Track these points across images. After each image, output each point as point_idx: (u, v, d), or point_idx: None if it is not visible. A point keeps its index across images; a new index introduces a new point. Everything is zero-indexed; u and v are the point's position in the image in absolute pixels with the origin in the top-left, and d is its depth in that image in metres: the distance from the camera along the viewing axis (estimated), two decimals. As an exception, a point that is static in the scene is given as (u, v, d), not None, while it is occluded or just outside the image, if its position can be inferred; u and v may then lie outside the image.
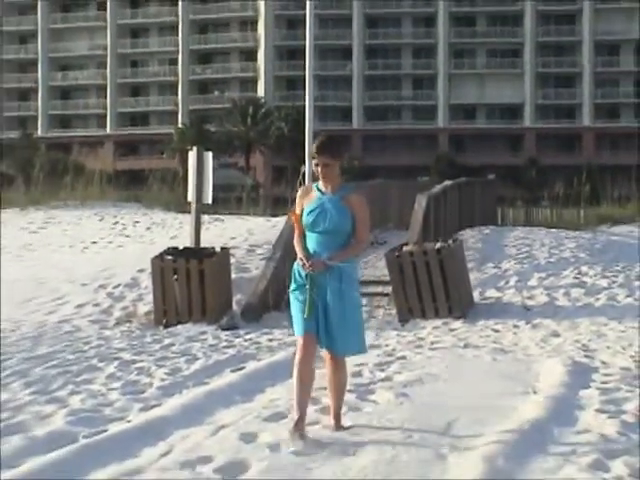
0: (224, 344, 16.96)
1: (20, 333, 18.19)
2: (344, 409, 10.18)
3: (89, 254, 28.57)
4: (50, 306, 21.27)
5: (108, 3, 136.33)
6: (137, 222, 34.58)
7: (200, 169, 21.76)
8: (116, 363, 14.56)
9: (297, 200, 9.42)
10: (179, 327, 19.18)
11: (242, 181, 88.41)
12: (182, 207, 34.41)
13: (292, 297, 9.45)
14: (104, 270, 24.08)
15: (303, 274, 9.20)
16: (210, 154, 22.40)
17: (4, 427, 10.21)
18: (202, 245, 21.96)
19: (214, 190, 22.52)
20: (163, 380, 13.07)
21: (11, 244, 31.14)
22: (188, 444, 9.43)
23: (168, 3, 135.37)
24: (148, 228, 33.62)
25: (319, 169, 9.16)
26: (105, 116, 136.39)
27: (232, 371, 13.81)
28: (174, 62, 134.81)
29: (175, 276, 20.21)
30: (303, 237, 9.31)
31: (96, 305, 21.22)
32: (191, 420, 10.43)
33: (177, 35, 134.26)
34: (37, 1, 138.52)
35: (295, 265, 9.41)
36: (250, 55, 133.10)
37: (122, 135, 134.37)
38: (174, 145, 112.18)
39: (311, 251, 9.16)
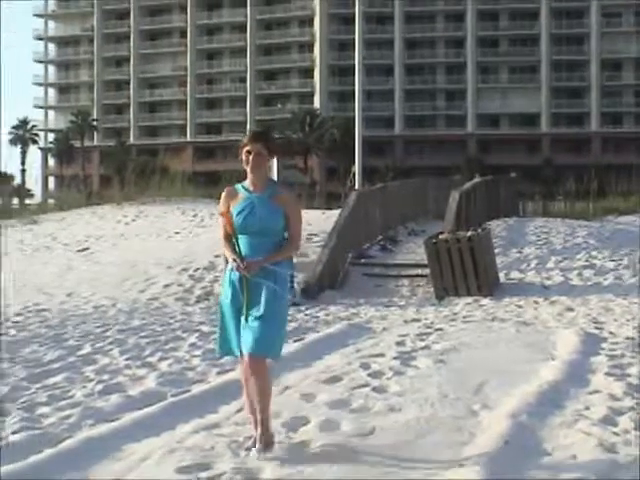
0: (288, 318, 16.95)
1: (117, 308, 18.28)
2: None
3: (173, 242, 28.60)
4: (141, 286, 21.36)
5: (188, 31, 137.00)
6: (213, 214, 34.42)
7: (266, 170, 21.79)
8: (197, 334, 14.58)
9: (222, 201, 7.51)
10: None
11: (301, 179, 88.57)
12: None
13: (225, 310, 7.48)
14: (186, 256, 24.13)
15: (236, 278, 7.32)
16: (274, 157, 22.42)
17: (105, 387, 10.28)
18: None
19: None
20: (237, 348, 13.07)
21: (109, 233, 31.31)
22: (258, 403, 9.43)
23: (238, 30, 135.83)
24: (223, 220, 33.64)
25: (250, 158, 7.29)
26: (185, 126, 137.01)
27: (294, 341, 13.75)
28: (243, 80, 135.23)
29: (246, 261, 20.22)
30: (234, 239, 7.40)
31: (180, 285, 21.27)
32: (261, 382, 10.43)
33: (246, 57, 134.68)
34: (130, 31, 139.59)
35: (227, 271, 7.52)
36: (307, 73, 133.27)
37: (200, 142, 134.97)
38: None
39: (243, 254, 7.28)
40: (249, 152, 7.30)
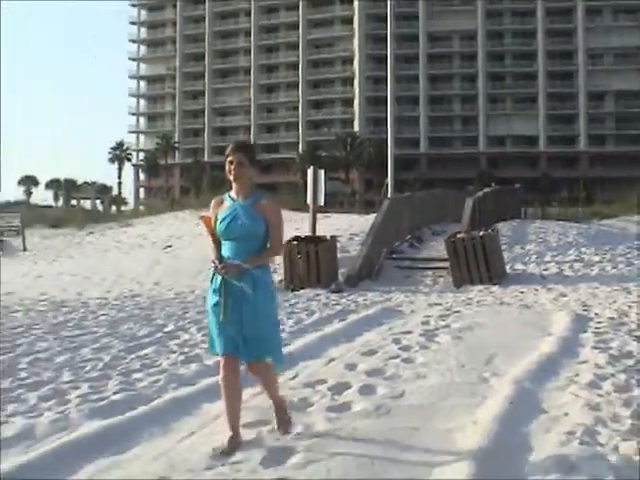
0: (333, 302, 16.93)
1: (194, 294, 18.33)
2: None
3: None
4: (214, 276, 21.45)
5: (252, 70, 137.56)
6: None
7: (316, 181, 21.80)
8: (259, 315, 14.62)
9: (210, 211, 6.66)
10: (301, 291, 19.18)
11: (343, 190, 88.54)
12: (302, 208, 34.48)
13: (210, 313, 6.60)
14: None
15: (218, 281, 6.46)
16: (322, 171, 22.43)
17: (186, 358, 10.34)
18: (317, 234, 21.98)
19: (325, 196, 22.55)
20: (291, 327, 13.06)
21: (188, 234, 31.49)
22: (309, 371, 9.45)
23: (292, 68, 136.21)
24: (280, 223, 33.70)
25: (232, 168, 6.53)
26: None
27: (339, 321, 13.76)
28: (296, 108, 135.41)
29: (299, 255, 20.26)
30: (219, 245, 6.54)
31: (245, 275, 21.35)
32: (311, 354, 10.45)
33: (298, 90, 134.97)
34: (205, 70, 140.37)
35: (211, 275, 6.62)
36: (348, 103, 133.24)
37: (261, 159, 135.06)
38: (297, 165, 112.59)
39: (225, 257, 6.45)
40: (231, 162, 6.54)
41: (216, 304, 6.45)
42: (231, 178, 6.54)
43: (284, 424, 6.89)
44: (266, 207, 6.53)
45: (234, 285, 6.34)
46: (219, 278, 6.42)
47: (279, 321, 6.99)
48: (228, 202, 6.59)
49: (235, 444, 6.44)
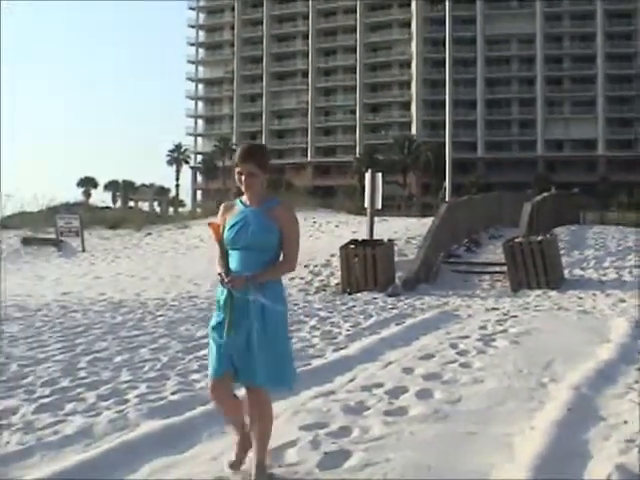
0: (390, 306, 16.92)
1: (252, 297, 18.41)
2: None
3: (297, 243, 28.75)
4: (271, 279, 21.51)
5: (309, 72, 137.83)
6: (329, 221, 34.68)
7: (373, 185, 21.80)
8: (316, 318, 14.64)
9: (219, 217, 5.90)
10: (358, 294, 19.19)
11: (400, 193, 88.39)
12: (360, 211, 34.49)
13: (210, 333, 5.83)
14: (307, 254, 24.21)
15: (223, 297, 5.69)
16: (380, 174, 22.41)
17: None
18: (374, 237, 21.97)
19: (382, 199, 22.53)
20: (348, 330, 13.08)
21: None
22: (366, 374, 9.45)
23: (349, 71, 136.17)
24: (336, 225, 33.73)
25: (242, 178, 5.74)
26: (307, 149, 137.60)
27: (396, 324, 13.75)
28: (353, 112, 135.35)
29: (356, 259, 20.26)
30: (226, 255, 5.76)
31: (302, 278, 21.37)
32: (368, 358, 10.46)
33: (355, 93, 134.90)
34: (262, 73, 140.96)
35: (217, 290, 5.87)
36: (405, 106, 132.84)
37: (318, 162, 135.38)
38: (354, 169, 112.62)
39: (232, 269, 5.66)
40: (240, 173, 5.75)
41: (220, 323, 5.69)
42: (242, 188, 5.78)
43: (261, 468, 5.73)
44: (281, 214, 5.72)
45: (242, 301, 5.58)
46: (225, 292, 5.66)
47: (291, 345, 6.10)
48: (239, 207, 5.84)
49: (237, 467, 5.94)
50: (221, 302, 5.73)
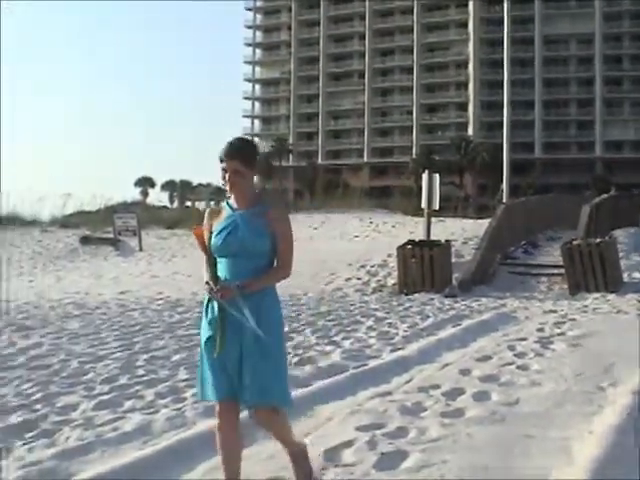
0: (447, 307, 16.85)
1: (308, 297, 18.46)
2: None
3: (353, 244, 28.78)
4: (327, 279, 21.54)
5: (366, 73, 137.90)
6: (385, 222, 34.61)
7: (430, 185, 21.75)
8: (373, 319, 14.63)
9: (205, 222, 5.37)
10: (415, 295, 19.14)
11: (457, 194, 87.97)
12: (416, 212, 34.38)
13: (202, 350, 5.29)
14: (364, 255, 24.23)
15: (214, 308, 5.15)
16: (437, 175, 22.35)
17: (300, 359, 10.42)
18: (431, 238, 21.91)
19: (439, 200, 22.47)
20: (405, 331, 13.06)
21: (301, 237, 31.59)
22: (423, 375, 9.44)
23: (406, 72, 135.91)
24: (393, 226, 33.66)
25: (227, 176, 5.18)
26: (363, 150, 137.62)
27: (453, 326, 13.71)
28: (410, 112, 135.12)
29: (413, 259, 20.22)
30: (214, 263, 5.29)
31: (358, 279, 21.37)
32: (425, 359, 10.45)
33: (412, 94, 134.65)
34: (319, 73, 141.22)
35: (205, 301, 5.32)
36: (462, 107, 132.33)
37: (375, 163, 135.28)
38: (410, 170, 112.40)
39: (222, 278, 5.17)
40: (225, 170, 5.20)
41: (210, 338, 5.18)
42: (226, 188, 5.26)
43: (305, 475, 5.54)
44: (272, 214, 5.22)
45: (232, 313, 5.06)
46: (214, 305, 5.16)
47: (286, 356, 5.51)
48: (227, 212, 5.31)
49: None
50: (210, 314, 5.21)
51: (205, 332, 5.23)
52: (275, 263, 5.25)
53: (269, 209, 5.22)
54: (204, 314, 5.28)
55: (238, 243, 5.12)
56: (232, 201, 5.29)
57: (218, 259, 5.24)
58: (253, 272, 5.13)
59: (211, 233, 5.27)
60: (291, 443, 5.54)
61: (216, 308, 5.13)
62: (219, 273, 5.20)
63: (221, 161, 5.18)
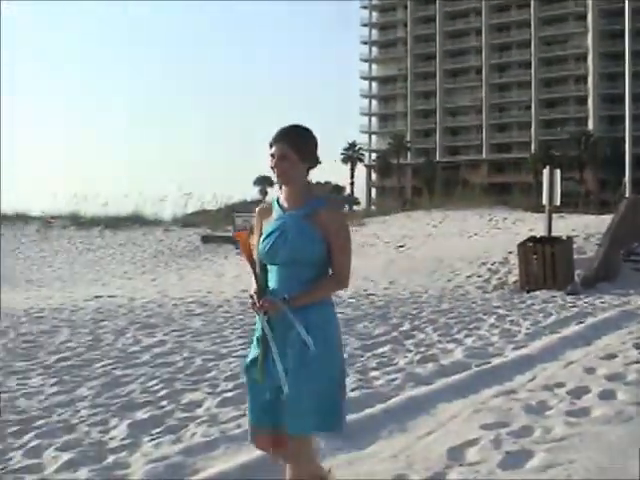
0: (569, 305, 16.56)
1: (428, 294, 18.35)
2: None
3: (472, 241, 28.51)
4: (448, 276, 21.38)
5: (483, 69, 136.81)
6: (505, 219, 34.17)
7: (551, 181, 21.42)
8: (494, 316, 14.48)
9: (255, 223, 4.76)
10: (537, 292, 18.87)
11: (577, 190, 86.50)
12: (535, 208, 33.89)
13: (246, 368, 4.64)
14: (484, 252, 23.97)
15: (259, 325, 4.53)
16: (558, 171, 22.01)
17: (422, 357, 10.39)
18: (553, 234, 21.59)
19: (560, 196, 22.13)
20: (528, 329, 12.90)
21: (420, 234, 31.53)
22: (547, 373, 9.33)
23: (524, 67, 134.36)
24: (513, 223, 33.22)
25: (273, 163, 4.52)
26: (481, 146, 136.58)
27: (576, 324, 13.49)
28: (528, 108, 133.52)
29: (534, 256, 19.97)
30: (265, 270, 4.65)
31: (479, 276, 21.15)
32: (549, 357, 10.32)
33: (530, 89, 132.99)
34: (435, 70, 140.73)
35: (257, 317, 4.61)
36: (582, 101, 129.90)
37: (493, 159, 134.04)
38: (529, 165, 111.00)
39: (270, 288, 4.53)
40: (272, 156, 4.55)
41: (253, 361, 4.57)
42: (275, 179, 4.62)
43: None
44: (324, 217, 4.49)
45: (279, 330, 4.44)
46: (261, 321, 4.53)
47: (343, 377, 4.66)
48: (276, 212, 4.64)
49: None
50: (258, 331, 4.59)
51: (250, 353, 4.65)
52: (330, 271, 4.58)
53: (322, 207, 4.52)
54: (256, 329, 4.65)
55: (287, 250, 4.47)
56: (282, 199, 4.64)
57: (268, 267, 4.63)
58: (305, 282, 4.49)
59: (260, 236, 4.65)
60: (316, 473, 4.66)
61: (260, 325, 4.54)
62: (269, 283, 4.59)
63: (270, 146, 4.57)
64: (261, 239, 4.58)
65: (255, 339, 4.59)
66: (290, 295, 4.41)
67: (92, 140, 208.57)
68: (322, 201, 4.55)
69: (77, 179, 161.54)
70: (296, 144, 4.50)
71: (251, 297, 4.51)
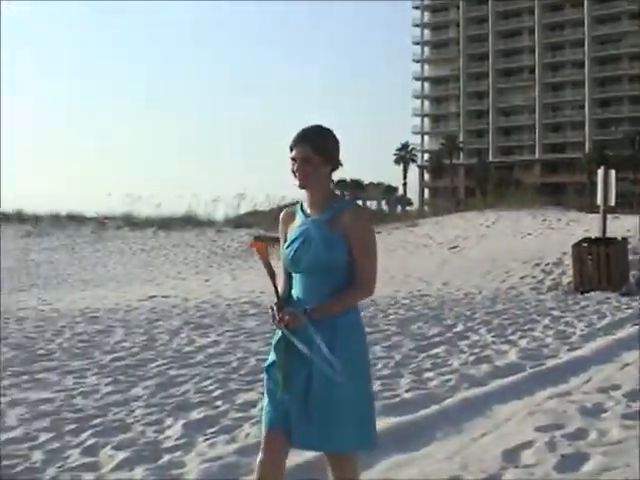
0: (624, 306, 16.38)
1: (482, 295, 18.26)
2: None
3: (526, 241, 28.29)
4: (501, 277, 21.25)
5: (536, 68, 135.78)
6: (559, 219, 33.85)
7: (606, 181, 21.21)
8: (549, 318, 14.38)
9: (279, 229, 4.48)
10: (591, 293, 18.70)
11: (632, 190, 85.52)
12: (590, 209, 33.64)
13: (265, 375, 4.40)
14: (537, 252, 23.78)
15: (278, 334, 4.25)
16: (613, 171, 21.79)
17: (476, 358, 10.36)
18: (607, 235, 21.38)
19: (615, 196, 21.91)
20: (582, 330, 12.79)
21: (474, 234, 31.35)
22: (602, 375, 9.26)
23: (577, 66, 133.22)
24: (567, 223, 32.91)
25: (294, 167, 4.24)
26: (534, 146, 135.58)
27: (631, 325, 13.35)
28: (582, 107, 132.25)
29: (589, 257, 19.79)
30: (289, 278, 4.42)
31: (533, 277, 20.99)
32: (604, 359, 10.23)
33: (584, 88, 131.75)
34: (488, 70, 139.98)
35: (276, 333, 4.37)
36: (636, 100, 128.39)
37: (546, 159, 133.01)
38: (583, 166, 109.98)
39: (294, 298, 4.29)
40: (294, 159, 4.26)
41: (272, 364, 4.35)
42: (297, 183, 4.31)
43: None
44: (347, 222, 4.20)
45: (302, 341, 4.12)
46: (279, 333, 4.25)
47: (371, 390, 4.42)
48: (299, 217, 4.38)
49: None
50: (274, 342, 4.34)
51: (271, 354, 4.38)
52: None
53: (344, 210, 4.23)
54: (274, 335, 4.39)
55: (310, 257, 4.21)
56: (305, 205, 4.37)
57: (293, 274, 4.37)
58: (331, 291, 4.21)
59: (285, 242, 4.39)
60: None
61: (278, 337, 4.27)
62: (293, 292, 4.34)
63: (291, 150, 4.28)
64: (284, 246, 4.34)
65: (274, 342, 4.33)
66: (312, 307, 4.15)
67: (123, 141, 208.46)
68: (347, 202, 4.28)
69: (125, 179, 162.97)
70: (318, 146, 4.23)
71: (271, 309, 4.22)
